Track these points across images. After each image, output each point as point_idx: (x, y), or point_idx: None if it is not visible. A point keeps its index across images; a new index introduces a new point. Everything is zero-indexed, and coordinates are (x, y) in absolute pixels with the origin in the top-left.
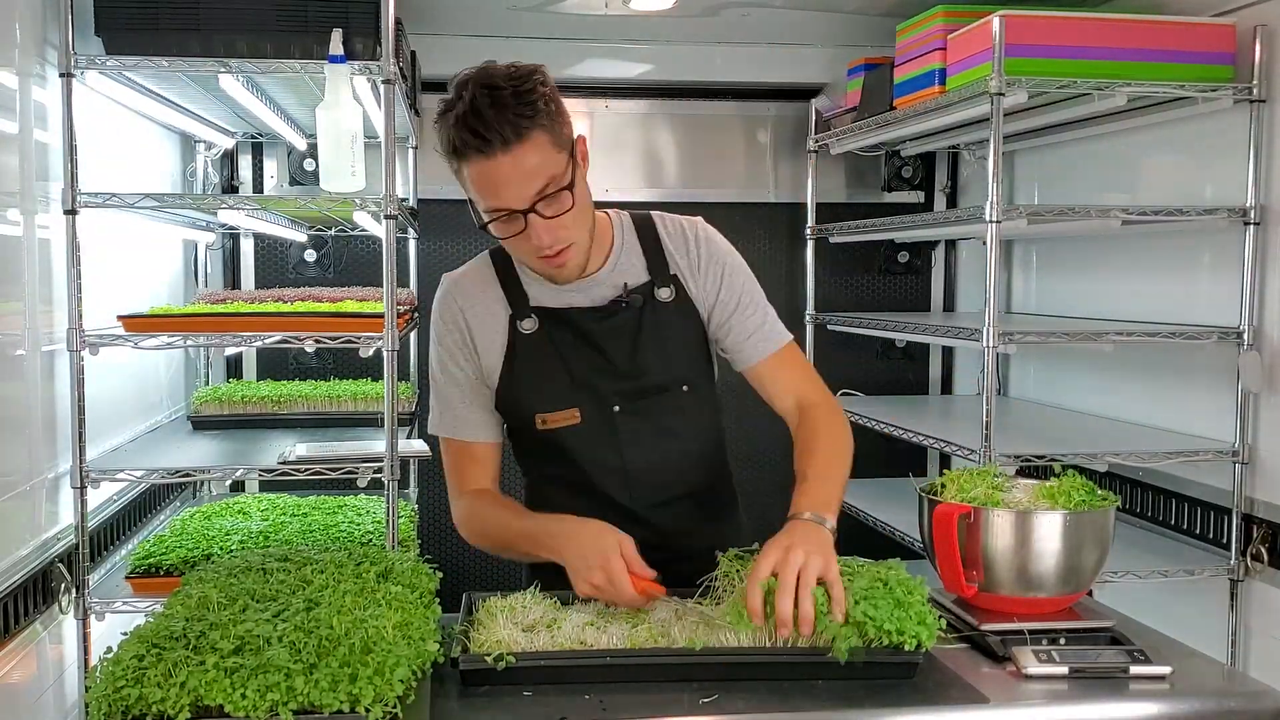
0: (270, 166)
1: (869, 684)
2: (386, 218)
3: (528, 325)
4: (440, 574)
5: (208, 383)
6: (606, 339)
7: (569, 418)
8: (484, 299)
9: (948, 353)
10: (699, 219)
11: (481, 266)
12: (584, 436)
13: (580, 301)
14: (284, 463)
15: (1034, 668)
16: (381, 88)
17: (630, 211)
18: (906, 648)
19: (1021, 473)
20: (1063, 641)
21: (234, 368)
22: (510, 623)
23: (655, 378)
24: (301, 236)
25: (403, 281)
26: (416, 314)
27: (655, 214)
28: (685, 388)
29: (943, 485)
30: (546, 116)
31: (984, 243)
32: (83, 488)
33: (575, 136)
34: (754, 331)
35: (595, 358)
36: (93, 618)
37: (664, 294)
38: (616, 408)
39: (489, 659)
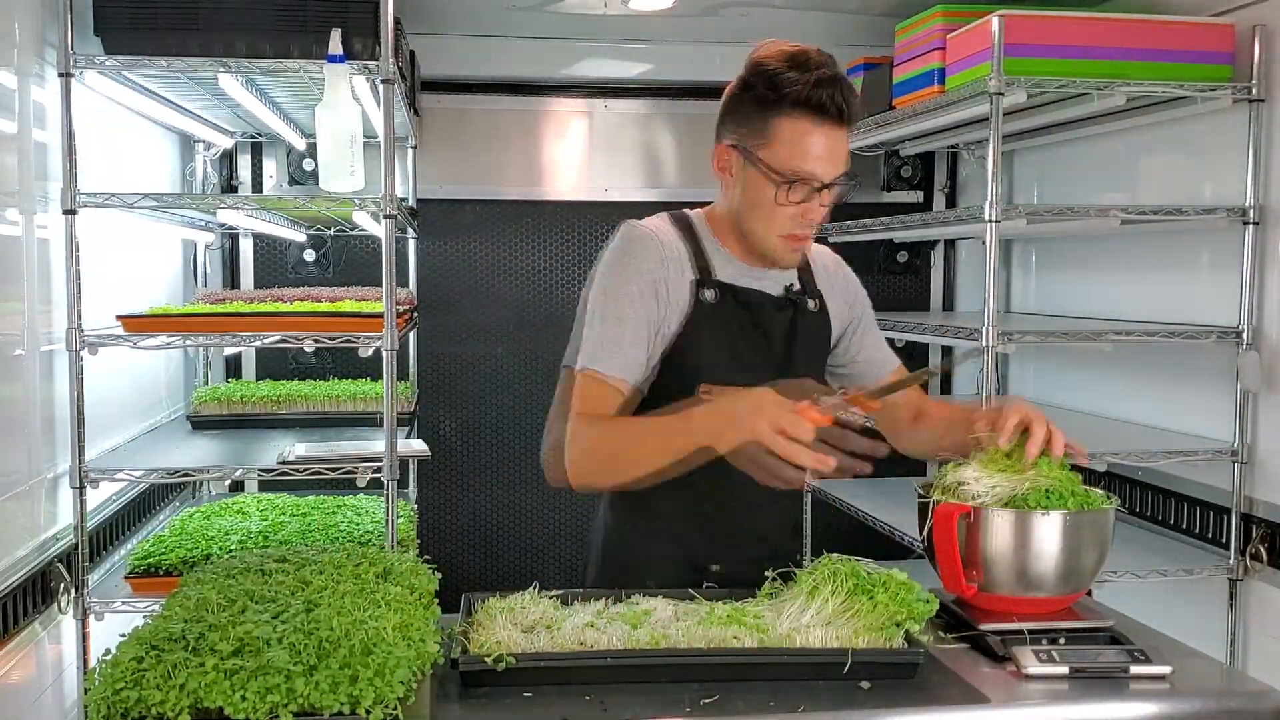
0: (269, 166)
1: (869, 683)
2: (386, 217)
3: (710, 295)
4: (439, 574)
5: (207, 382)
6: (774, 327)
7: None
8: (678, 256)
9: (947, 352)
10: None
11: (671, 226)
12: None
13: (759, 286)
14: (283, 462)
15: (1034, 667)
16: (381, 87)
17: None
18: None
19: None
20: (1063, 641)
21: (233, 368)
22: (510, 623)
23: (804, 374)
24: (301, 236)
25: (402, 281)
26: (416, 314)
27: None
28: (816, 395)
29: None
30: (858, 114)
31: (983, 242)
32: (82, 488)
33: None
34: (879, 359)
35: (761, 342)
36: (92, 618)
37: (811, 304)
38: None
39: (489, 660)
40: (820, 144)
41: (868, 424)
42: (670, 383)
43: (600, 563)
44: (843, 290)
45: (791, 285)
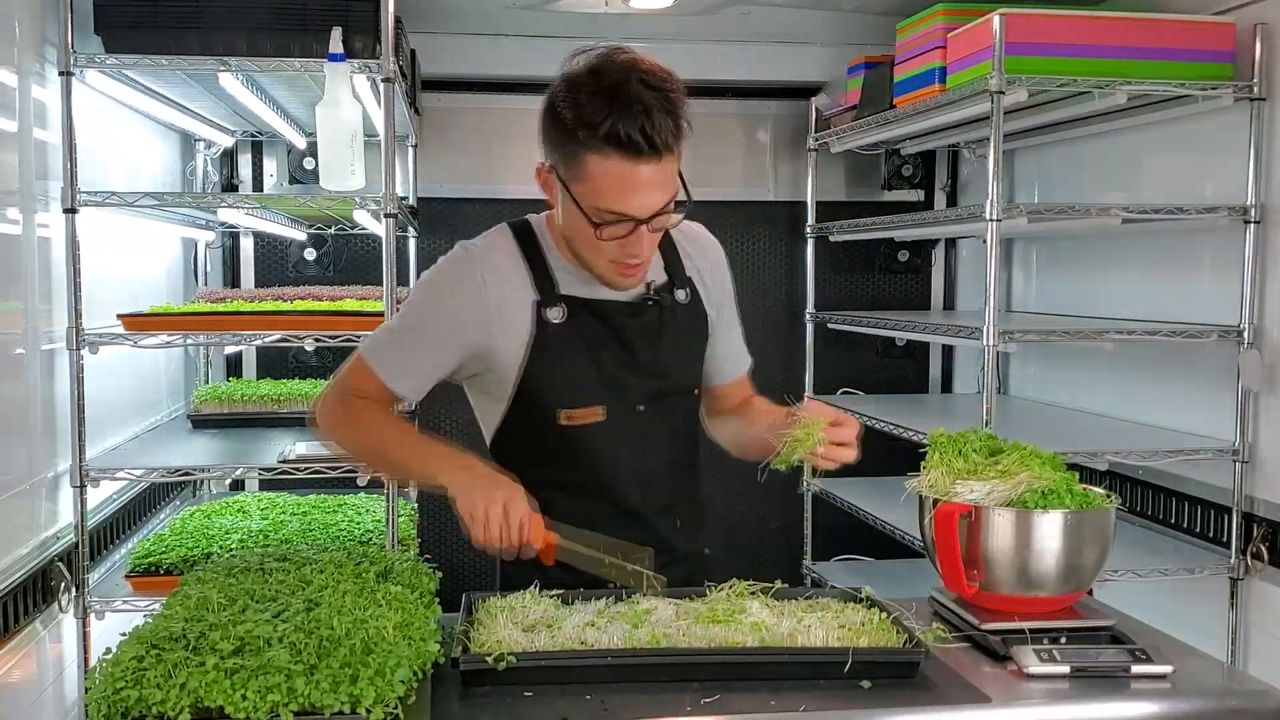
0: (270, 165)
1: (870, 683)
2: (386, 216)
3: (555, 314)
4: (440, 574)
5: (207, 381)
6: (635, 336)
7: (593, 415)
8: (512, 279)
9: (948, 351)
10: (701, 225)
11: (505, 242)
12: (606, 435)
13: (610, 295)
14: (284, 461)
15: (1035, 667)
16: (381, 86)
17: None
18: None
19: None
20: (1064, 641)
21: (234, 366)
22: (510, 623)
23: (675, 379)
24: (301, 235)
25: (402, 280)
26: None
27: None
28: (695, 391)
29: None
30: (687, 131)
31: (984, 241)
32: (82, 486)
33: None
34: (736, 353)
35: (623, 354)
36: (92, 617)
37: (681, 295)
38: (641, 406)
39: (489, 659)
40: (635, 181)
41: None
42: (530, 412)
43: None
44: (718, 276)
45: (652, 282)
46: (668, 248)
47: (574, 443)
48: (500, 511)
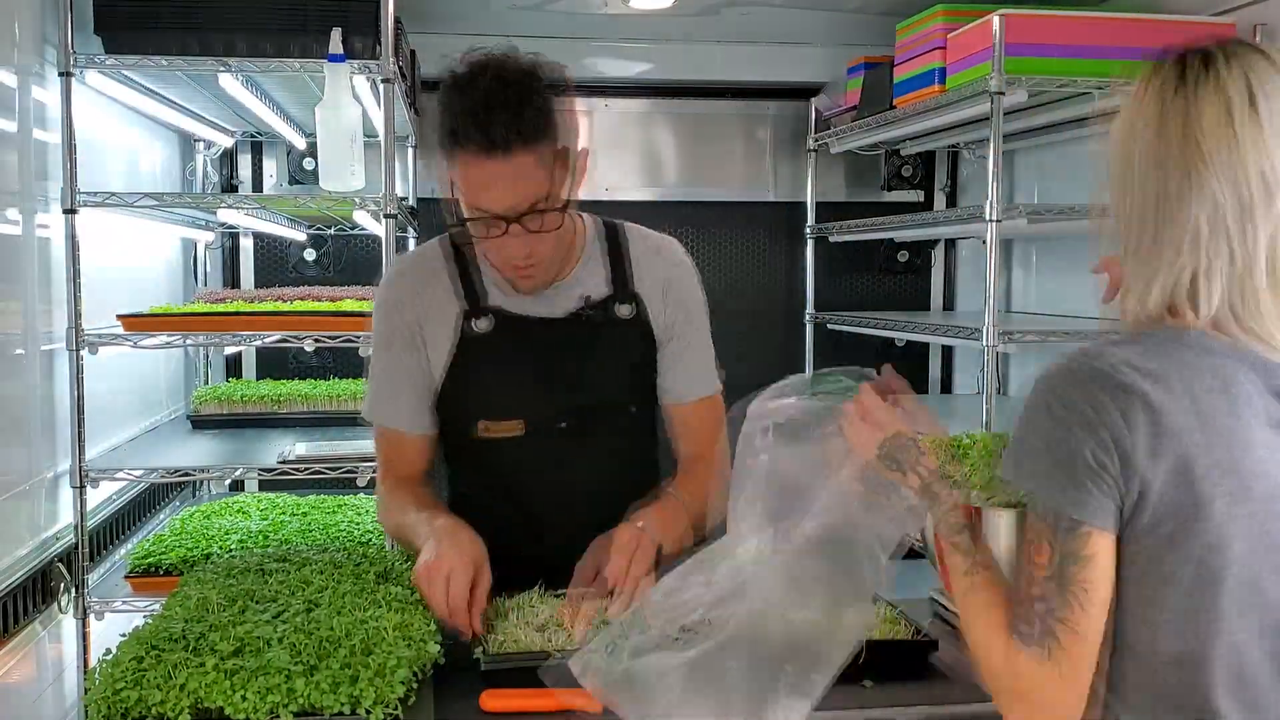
0: (269, 165)
1: (874, 682)
2: (386, 216)
3: (481, 325)
4: None
5: (207, 382)
6: (561, 352)
7: (511, 429)
8: (435, 290)
9: (947, 352)
10: (675, 241)
11: (435, 254)
12: (524, 450)
13: (538, 310)
14: (283, 462)
15: None
16: (381, 87)
17: (603, 218)
18: None
19: None
20: None
21: (233, 367)
22: (522, 622)
23: (604, 396)
24: (301, 235)
25: None
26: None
27: (628, 225)
28: (633, 409)
29: None
30: (558, 127)
31: (984, 242)
32: (82, 487)
33: (580, 149)
34: (695, 374)
35: (546, 370)
36: (92, 617)
37: (623, 310)
38: (563, 424)
39: (487, 658)
40: (490, 178)
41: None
42: (451, 423)
43: None
44: (672, 290)
45: (589, 297)
46: (617, 261)
47: (493, 456)
48: (443, 581)
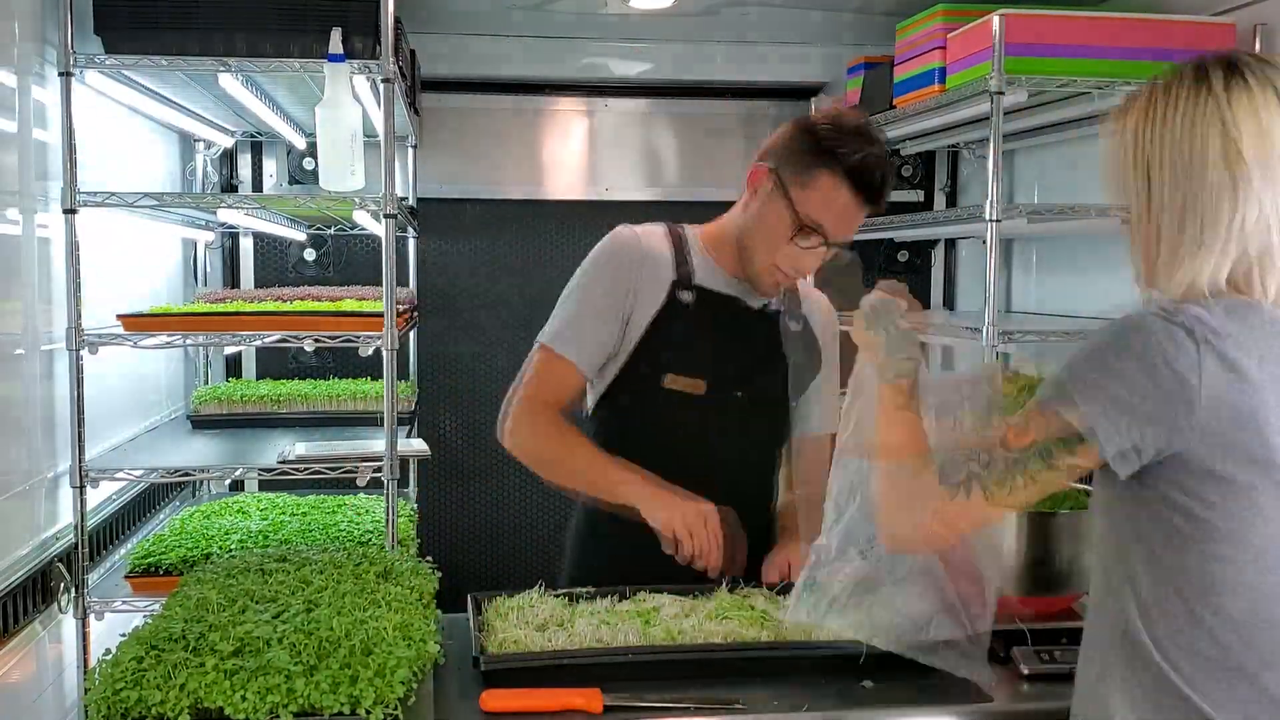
0: (269, 165)
1: (874, 682)
2: (386, 217)
3: (686, 296)
4: (440, 574)
5: (207, 382)
6: (750, 335)
7: (694, 385)
8: (657, 260)
9: (947, 352)
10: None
11: (661, 234)
12: (701, 408)
13: (734, 293)
14: (283, 462)
15: (1034, 668)
16: (381, 86)
17: None
18: None
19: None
20: (1063, 641)
21: (233, 367)
22: (522, 622)
23: (774, 384)
24: (301, 235)
25: (402, 280)
26: (416, 313)
27: None
28: (794, 405)
29: None
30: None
31: (984, 242)
32: (82, 487)
33: None
34: (826, 409)
35: (734, 345)
36: (92, 617)
37: (794, 325)
38: (739, 393)
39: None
40: (848, 209)
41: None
42: (641, 373)
43: (574, 562)
44: (824, 321)
45: (769, 304)
46: (789, 290)
47: (670, 407)
48: (703, 525)
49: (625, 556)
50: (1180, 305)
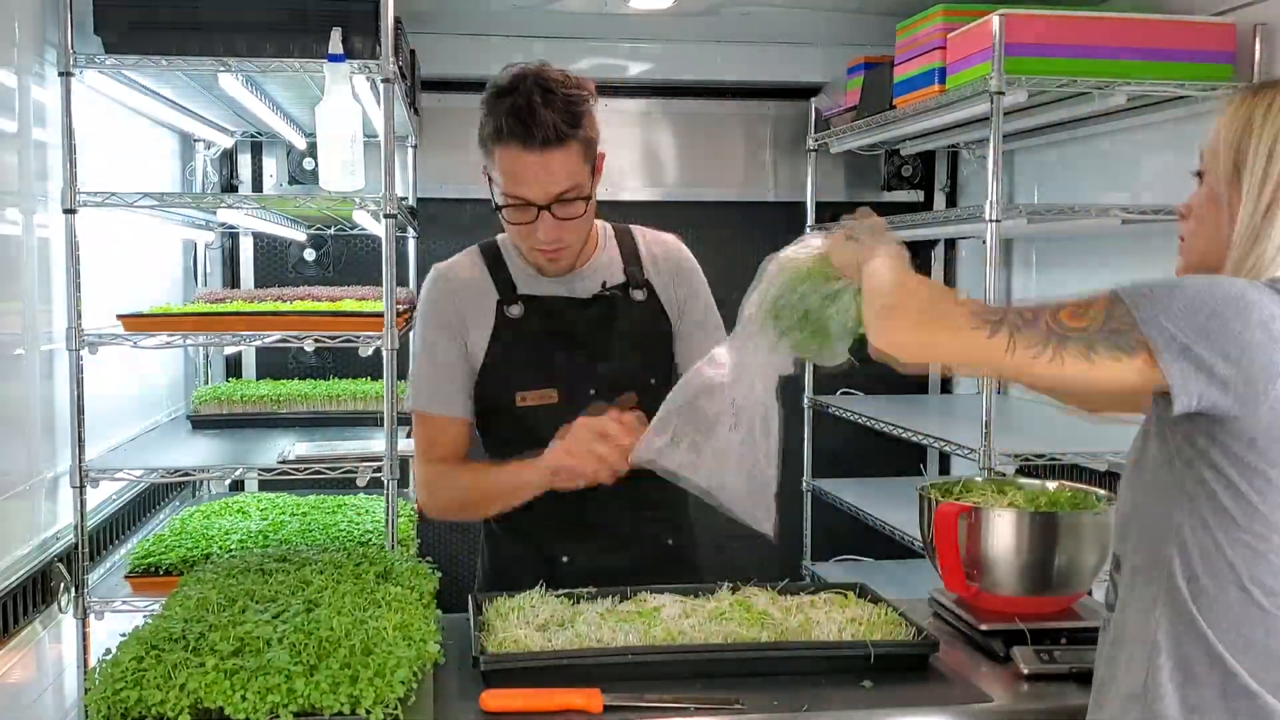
0: (269, 165)
1: (874, 682)
2: (386, 217)
3: (514, 310)
4: (439, 574)
5: (207, 382)
6: (585, 328)
7: (547, 397)
8: (474, 285)
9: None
10: (675, 237)
11: (471, 258)
12: (560, 417)
13: (563, 293)
14: (283, 462)
15: (1034, 668)
16: (381, 87)
17: (611, 223)
18: None
19: (1021, 472)
20: (1063, 641)
21: (233, 367)
22: (523, 622)
23: (627, 368)
24: (301, 236)
25: (402, 280)
26: (415, 313)
27: (635, 227)
28: (653, 381)
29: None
30: (586, 129)
31: (984, 242)
32: (82, 487)
33: (600, 152)
34: (710, 343)
35: (574, 344)
36: (92, 617)
37: (638, 295)
38: (593, 391)
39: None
40: (527, 168)
41: None
42: (492, 399)
43: (484, 567)
44: (672, 275)
45: (606, 283)
46: (629, 254)
47: (530, 423)
48: (588, 435)
49: (520, 556)
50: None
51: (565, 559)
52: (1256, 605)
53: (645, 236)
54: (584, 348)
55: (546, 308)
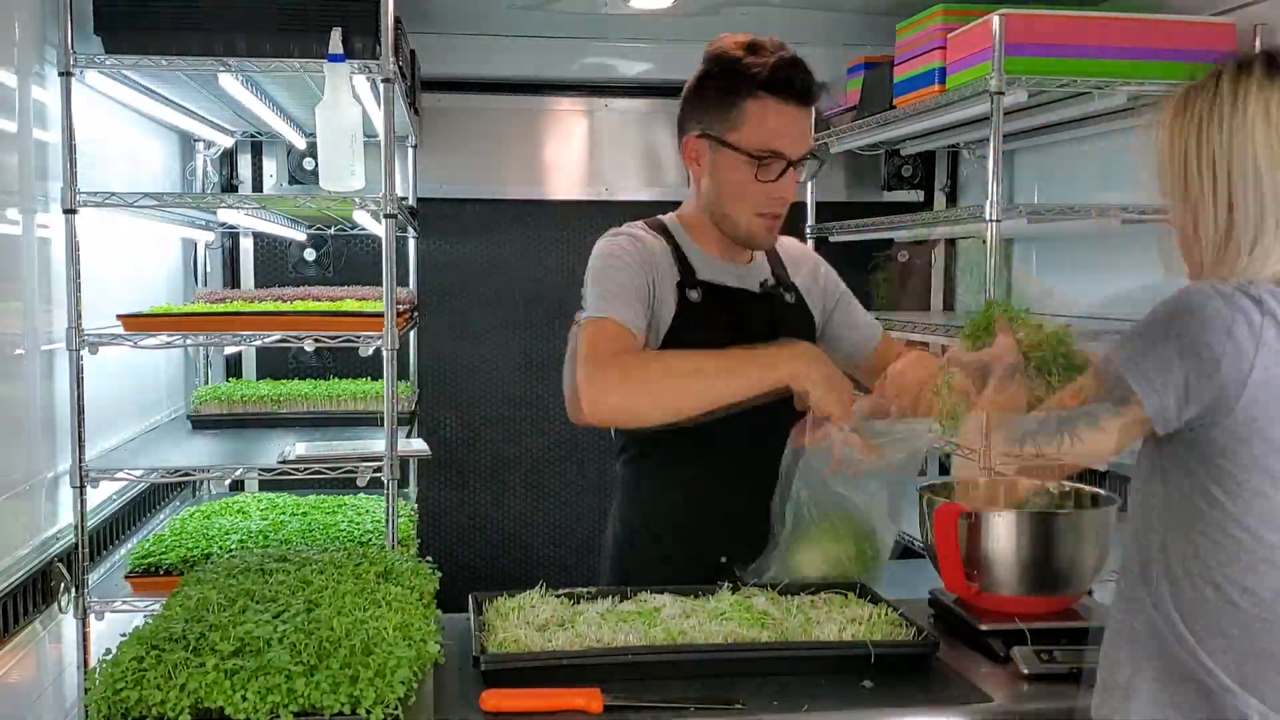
0: (269, 165)
1: (874, 682)
2: (386, 217)
3: (694, 295)
4: (440, 574)
5: (207, 382)
6: (756, 323)
7: None
8: (664, 259)
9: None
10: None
11: (648, 231)
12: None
13: (736, 283)
14: (283, 462)
15: (1034, 668)
16: (381, 86)
17: None
18: None
19: (1022, 472)
20: (1063, 641)
21: (233, 367)
22: (523, 622)
23: None
24: (301, 235)
25: (402, 280)
26: (416, 313)
27: None
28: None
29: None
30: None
31: (984, 242)
32: (82, 487)
33: None
34: (864, 323)
35: (744, 338)
36: (92, 617)
37: (789, 297)
38: None
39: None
40: (786, 122)
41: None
42: None
43: (614, 567)
44: (812, 276)
45: (767, 280)
46: (774, 260)
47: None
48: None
49: (670, 568)
50: (1248, 282)
51: (724, 559)
52: (1231, 604)
53: (782, 241)
54: (754, 341)
55: (725, 297)
